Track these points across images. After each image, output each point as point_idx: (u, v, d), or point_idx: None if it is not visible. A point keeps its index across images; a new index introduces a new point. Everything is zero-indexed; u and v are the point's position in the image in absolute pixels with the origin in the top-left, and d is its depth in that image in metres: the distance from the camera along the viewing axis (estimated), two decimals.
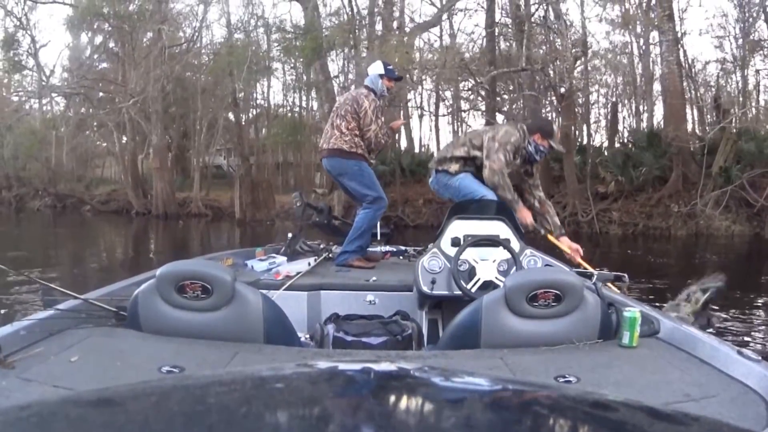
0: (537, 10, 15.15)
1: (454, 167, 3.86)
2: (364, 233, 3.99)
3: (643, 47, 17.74)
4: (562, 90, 13.83)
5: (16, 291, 5.86)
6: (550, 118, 15.87)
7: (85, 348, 1.75)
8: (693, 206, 12.64)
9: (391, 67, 4.33)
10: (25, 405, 0.70)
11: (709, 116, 17.37)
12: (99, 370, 1.61)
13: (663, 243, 13.12)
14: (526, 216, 3.69)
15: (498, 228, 2.89)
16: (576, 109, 17.49)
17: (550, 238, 3.85)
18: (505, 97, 17.68)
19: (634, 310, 1.88)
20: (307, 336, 2.59)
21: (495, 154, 3.69)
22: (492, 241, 2.83)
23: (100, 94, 22.46)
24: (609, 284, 2.96)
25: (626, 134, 20.89)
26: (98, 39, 24.96)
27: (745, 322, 5.23)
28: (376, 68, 4.22)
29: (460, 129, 25.53)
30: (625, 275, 3.06)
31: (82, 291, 2.18)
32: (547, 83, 13.99)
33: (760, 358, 1.58)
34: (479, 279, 2.75)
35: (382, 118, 4.10)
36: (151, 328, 1.91)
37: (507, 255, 2.80)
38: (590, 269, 3.28)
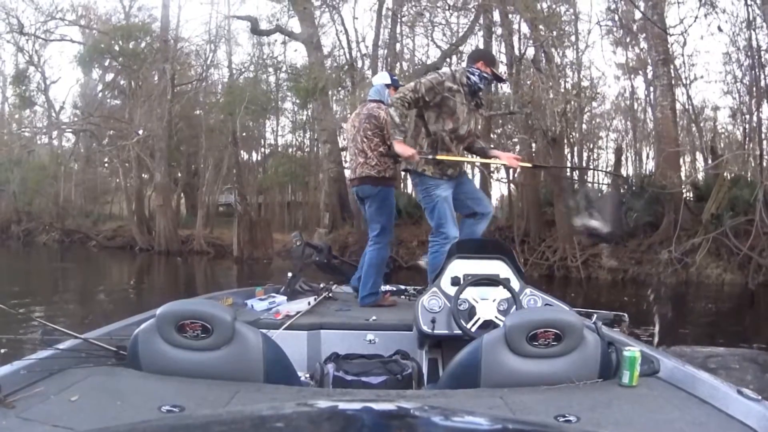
0: (524, 52, 14.87)
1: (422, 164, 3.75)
2: (377, 271, 3.99)
3: (648, 91, 17.52)
4: (555, 129, 13.59)
5: (15, 330, 5.91)
6: (542, 159, 15.80)
7: (86, 387, 1.75)
8: (669, 254, 12.42)
9: (396, 77, 4.34)
10: None
11: (706, 161, 17.18)
12: (99, 409, 1.61)
13: (653, 290, 12.75)
14: (404, 150, 3.61)
15: (498, 267, 2.88)
16: (571, 152, 17.49)
17: (440, 157, 3.69)
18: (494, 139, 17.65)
19: (634, 350, 1.88)
20: (307, 375, 2.63)
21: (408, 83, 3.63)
22: (492, 281, 2.82)
23: (110, 132, 22.69)
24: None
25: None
26: (109, 76, 25.35)
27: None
28: (383, 78, 4.23)
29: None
30: (625, 315, 3.08)
31: (76, 326, 2.23)
32: (536, 127, 13.96)
33: (759, 397, 1.59)
34: (479, 318, 2.74)
35: None
36: (151, 368, 1.91)
37: (507, 294, 2.79)
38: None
